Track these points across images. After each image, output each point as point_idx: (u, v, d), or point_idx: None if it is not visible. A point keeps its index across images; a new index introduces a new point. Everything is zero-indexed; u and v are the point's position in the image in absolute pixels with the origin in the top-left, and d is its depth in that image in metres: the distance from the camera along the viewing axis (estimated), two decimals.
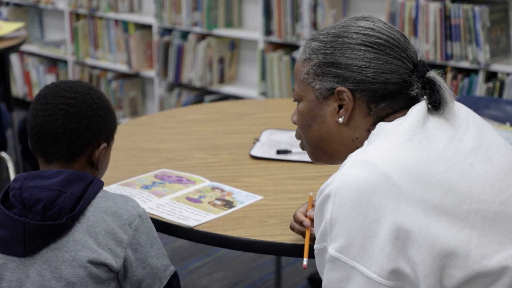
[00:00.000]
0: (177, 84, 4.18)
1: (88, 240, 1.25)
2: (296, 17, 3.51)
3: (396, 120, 1.15)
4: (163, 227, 1.44)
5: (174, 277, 1.34)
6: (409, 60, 1.18)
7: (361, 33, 1.17)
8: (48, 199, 1.23)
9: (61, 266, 1.24)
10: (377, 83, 1.15)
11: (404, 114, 1.15)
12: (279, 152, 1.85)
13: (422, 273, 1.03)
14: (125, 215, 1.28)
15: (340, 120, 1.18)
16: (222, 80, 4.00)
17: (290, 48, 3.66)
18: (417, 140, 1.10)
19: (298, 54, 1.24)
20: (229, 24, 3.93)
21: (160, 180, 1.65)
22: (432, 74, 1.18)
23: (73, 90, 1.32)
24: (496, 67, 2.97)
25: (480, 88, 3.00)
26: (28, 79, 4.93)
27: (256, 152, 1.86)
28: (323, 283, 1.11)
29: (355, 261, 1.05)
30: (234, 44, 4.01)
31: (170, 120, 2.20)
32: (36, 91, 4.88)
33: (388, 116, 1.17)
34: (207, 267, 2.87)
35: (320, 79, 1.19)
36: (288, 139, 1.95)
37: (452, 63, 3.03)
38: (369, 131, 1.17)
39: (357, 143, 1.19)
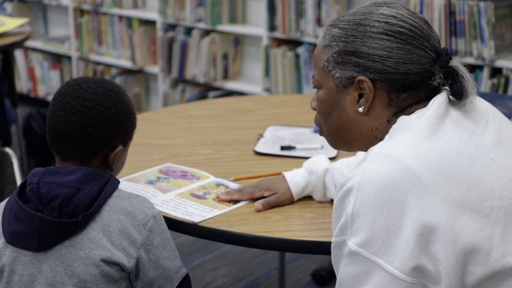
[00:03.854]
0: (181, 80, 4.18)
1: (102, 239, 1.25)
2: (300, 13, 3.50)
3: (416, 112, 1.13)
4: (167, 223, 1.44)
5: (186, 280, 1.34)
6: (432, 49, 1.15)
7: (383, 21, 1.14)
8: (65, 196, 1.23)
9: (74, 263, 1.24)
10: (399, 74, 1.13)
11: (425, 106, 1.13)
12: (283, 148, 1.84)
13: (445, 270, 1.02)
14: (139, 216, 1.28)
15: (360, 109, 1.16)
16: (226, 76, 4.00)
17: (294, 44, 3.65)
18: (440, 135, 1.09)
19: (318, 40, 1.21)
20: (233, 20, 3.92)
21: (165, 175, 1.65)
22: (456, 63, 1.15)
23: (93, 92, 1.30)
24: (501, 63, 2.96)
25: (485, 84, 2.99)
26: (32, 75, 4.94)
27: (260, 148, 1.85)
28: (339, 277, 1.10)
29: (377, 256, 1.03)
30: (238, 40, 4.00)
31: (174, 116, 2.20)
32: (40, 87, 4.89)
33: (409, 107, 1.15)
34: (211, 263, 2.88)
35: (340, 68, 1.16)
36: (292, 135, 1.95)
37: (456, 59, 3.02)
38: (389, 121, 1.16)
39: (377, 133, 1.17)
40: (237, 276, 2.79)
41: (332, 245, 1.11)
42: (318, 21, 3.45)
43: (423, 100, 1.15)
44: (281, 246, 1.43)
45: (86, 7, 4.48)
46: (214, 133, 2.01)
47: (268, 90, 3.74)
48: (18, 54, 4.92)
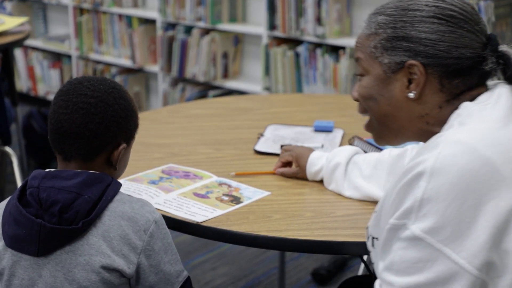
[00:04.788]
0: (181, 79, 4.18)
1: (103, 245, 1.23)
2: (300, 12, 3.50)
3: (480, 98, 1.11)
4: (169, 222, 1.44)
5: (187, 283, 1.33)
6: (482, 33, 1.14)
7: (432, 5, 1.13)
8: (65, 201, 1.22)
9: (74, 269, 1.23)
10: (451, 58, 1.11)
11: (479, 92, 1.12)
12: (283, 147, 1.84)
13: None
14: (141, 221, 1.26)
15: (411, 95, 1.14)
16: (226, 75, 4.00)
17: (294, 43, 3.65)
18: None
19: (360, 30, 1.20)
20: (233, 19, 3.92)
21: (167, 176, 1.65)
22: (505, 48, 1.14)
23: (95, 89, 1.29)
24: None
25: None
26: (32, 74, 4.94)
27: (260, 147, 1.85)
28: (391, 259, 1.04)
29: (443, 244, 0.99)
30: (238, 39, 4.00)
31: (174, 115, 2.20)
32: (40, 86, 4.89)
33: (462, 93, 1.13)
34: (211, 262, 2.88)
35: (390, 53, 1.14)
36: (292, 134, 1.95)
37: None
38: (441, 107, 1.14)
39: (428, 119, 1.15)
40: (237, 275, 2.79)
41: (388, 227, 1.06)
42: (318, 20, 3.45)
43: (476, 86, 1.13)
44: (281, 245, 1.43)
45: (86, 6, 4.48)
46: (214, 132, 2.01)
47: (268, 89, 3.74)
48: (18, 53, 4.91)
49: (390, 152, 1.53)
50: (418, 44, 1.12)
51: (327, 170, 1.58)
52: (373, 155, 1.55)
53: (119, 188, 1.29)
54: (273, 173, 1.67)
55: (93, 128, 1.27)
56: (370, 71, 1.18)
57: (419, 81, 1.13)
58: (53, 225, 1.22)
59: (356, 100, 1.24)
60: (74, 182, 1.24)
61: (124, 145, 1.32)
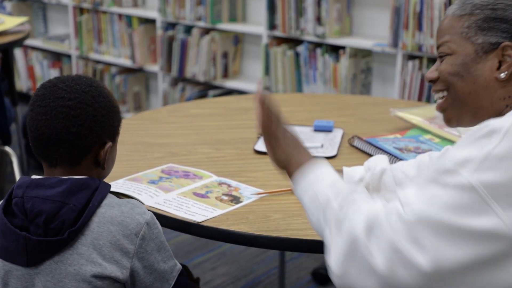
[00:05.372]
0: (181, 79, 4.18)
1: (93, 254, 1.20)
2: (300, 12, 3.50)
3: None
4: (169, 222, 1.44)
5: (181, 275, 1.32)
6: None
7: None
8: (50, 211, 1.19)
9: (65, 279, 1.21)
10: None
11: None
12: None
13: None
14: (131, 225, 1.23)
15: (502, 75, 1.15)
16: (226, 74, 4.00)
17: (294, 42, 3.65)
18: None
19: (449, 11, 1.22)
20: (233, 18, 3.92)
21: (167, 175, 1.65)
22: None
23: (72, 90, 1.24)
24: None
25: None
26: (32, 74, 4.94)
27: (260, 147, 1.85)
28: (431, 195, 1.02)
29: (496, 201, 0.98)
30: (238, 39, 4.00)
31: (174, 115, 2.20)
32: None
33: None
34: (211, 262, 2.88)
35: (485, 33, 1.16)
36: None
37: None
38: None
39: (508, 102, 1.16)
40: (237, 275, 2.79)
41: (436, 167, 1.05)
42: (318, 20, 3.45)
43: None
44: (281, 245, 1.43)
45: (86, 5, 4.48)
46: (214, 131, 2.01)
47: (268, 88, 3.74)
48: (18, 52, 4.91)
49: (430, 154, 1.51)
50: None
51: (372, 178, 1.50)
52: (412, 160, 1.53)
53: (108, 191, 1.26)
54: (286, 190, 1.57)
55: (75, 131, 1.23)
56: (458, 51, 1.19)
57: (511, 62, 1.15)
58: (38, 237, 1.19)
59: (431, 81, 1.25)
60: (58, 190, 1.20)
61: (110, 144, 1.28)
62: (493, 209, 0.99)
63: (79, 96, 1.24)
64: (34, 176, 1.26)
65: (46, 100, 1.24)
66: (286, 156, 1.28)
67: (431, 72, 1.25)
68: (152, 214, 1.27)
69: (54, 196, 1.20)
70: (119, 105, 1.34)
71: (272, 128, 1.29)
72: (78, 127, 1.23)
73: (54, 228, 1.19)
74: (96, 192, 1.23)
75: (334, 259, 1.11)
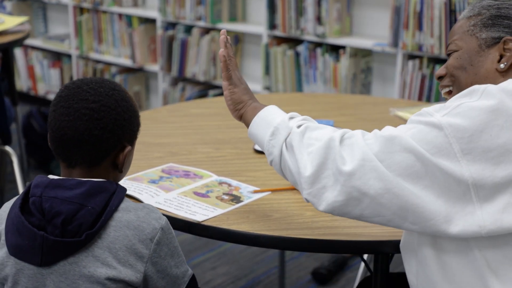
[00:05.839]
0: (181, 79, 4.18)
1: (108, 257, 1.21)
2: (300, 11, 3.50)
3: None
4: (170, 221, 1.44)
5: (193, 281, 1.33)
6: None
7: None
8: (68, 212, 1.19)
9: (79, 280, 1.21)
10: None
11: None
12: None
13: None
14: (147, 230, 1.23)
15: (502, 66, 1.21)
16: None
17: (294, 42, 3.65)
18: None
19: (461, 15, 1.30)
20: (233, 18, 3.92)
21: (168, 175, 1.65)
22: None
23: (96, 93, 1.25)
24: None
25: None
26: (32, 73, 4.94)
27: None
28: (403, 127, 1.13)
29: (458, 143, 1.07)
30: (238, 38, 4.00)
31: (174, 115, 2.20)
32: (40, 86, 4.89)
33: None
34: (211, 262, 2.88)
35: (488, 29, 1.24)
36: None
37: None
38: None
39: None
40: (237, 275, 2.79)
41: (415, 115, 1.14)
42: (318, 20, 3.45)
43: None
44: (281, 245, 1.43)
45: (86, 5, 4.48)
46: (214, 131, 2.01)
47: (268, 88, 3.74)
48: (18, 52, 4.91)
49: None
50: None
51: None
52: None
53: (124, 195, 1.27)
54: (293, 188, 1.58)
55: (97, 134, 1.24)
56: (464, 46, 1.27)
57: (511, 54, 1.21)
58: (56, 237, 1.19)
59: (439, 78, 1.31)
60: (77, 192, 1.21)
61: (129, 148, 1.29)
62: (454, 149, 1.07)
63: (103, 99, 1.25)
64: (51, 176, 1.26)
65: (69, 101, 1.24)
66: (241, 100, 1.39)
67: (440, 70, 1.31)
68: (167, 219, 1.28)
69: (73, 197, 1.20)
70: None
71: (232, 70, 1.40)
72: (100, 130, 1.24)
73: (71, 230, 1.20)
74: (113, 196, 1.24)
75: (309, 165, 1.17)
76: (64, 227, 1.19)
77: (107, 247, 1.21)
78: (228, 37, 1.40)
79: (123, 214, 1.23)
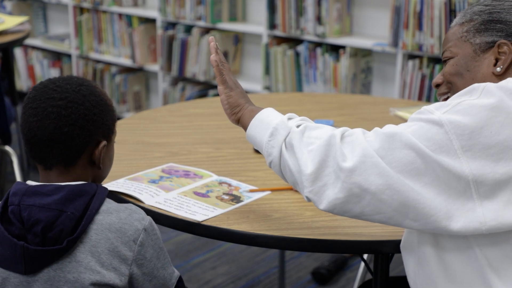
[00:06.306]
0: (181, 78, 4.18)
1: (91, 261, 1.19)
2: (300, 11, 3.50)
3: None
4: (170, 221, 1.44)
5: (180, 282, 1.32)
6: None
7: None
8: (48, 220, 1.17)
9: (64, 286, 1.20)
10: None
11: None
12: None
13: None
14: (129, 231, 1.21)
15: (498, 69, 1.22)
16: None
17: (294, 42, 3.65)
18: None
19: (453, 22, 1.31)
20: (233, 18, 3.92)
21: (168, 175, 1.65)
22: None
23: (62, 90, 1.23)
24: None
25: None
26: (32, 73, 4.94)
27: None
28: (404, 124, 1.13)
29: (458, 140, 1.07)
30: (238, 38, 4.00)
31: (174, 114, 2.20)
32: None
33: None
34: (211, 261, 2.88)
35: (482, 34, 1.25)
36: None
37: None
38: None
39: None
40: (237, 275, 2.79)
41: (416, 113, 1.14)
42: (318, 19, 3.45)
43: None
44: (281, 244, 1.43)
45: (86, 5, 4.48)
46: (214, 131, 2.01)
47: (268, 88, 3.74)
48: (18, 52, 4.91)
49: None
50: (510, 26, 1.23)
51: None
52: None
53: (105, 196, 1.24)
54: (291, 189, 1.59)
55: (67, 131, 1.21)
56: (459, 52, 1.27)
57: (507, 58, 1.22)
58: (37, 245, 1.18)
59: (437, 86, 1.32)
60: (55, 198, 1.19)
61: (104, 143, 1.27)
62: (454, 145, 1.07)
63: (70, 95, 1.23)
64: (30, 182, 1.24)
65: (37, 102, 1.23)
66: (238, 104, 1.39)
67: (437, 78, 1.31)
68: (151, 220, 1.26)
69: (51, 204, 1.19)
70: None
71: (226, 75, 1.40)
72: (69, 127, 1.22)
73: (52, 237, 1.18)
74: (93, 198, 1.22)
75: (310, 163, 1.16)
76: (44, 235, 1.18)
77: (90, 251, 1.19)
78: (216, 43, 1.40)
79: (105, 217, 1.21)
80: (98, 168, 1.28)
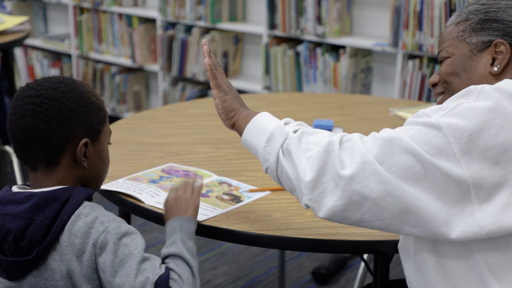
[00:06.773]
0: (181, 78, 4.18)
1: (63, 269, 1.17)
2: (300, 11, 3.50)
3: None
4: None
5: (158, 286, 1.17)
6: None
7: None
8: (18, 229, 1.16)
9: None
10: None
11: None
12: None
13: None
14: (91, 235, 1.17)
15: (495, 69, 1.21)
16: (226, 74, 4.00)
17: (294, 42, 3.65)
18: None
19: (448, 21, 1.30)
20: (233, 18, 3.92)
21: (168, 175, 1.65)
22: None
23: (40, 87, 1.21)
24: None
25: None
26: (32, 73, 4.94)
27: None
28: (401, 128, 1.13)
29: (457, 143, 1.06)
30: (238, 38, 4.00)
31: (174, 114, 2.20)
32: None
33: None
34: (211, 261, 2.88)
35: (478, 33, 1.24)
36: None
37: None
38: None
39: None
40: (237, 275, 2.79)
41: (412, 116, 1.14)
42: (319, 19, 3.44)
43: None
44: (281, 244, 1.43)
45: (86, 5, 4.48)
46: (214, 131, 2.01)
47: (268, 88, 3.74)
48: (18, 52, 4.91)
49: None
50: (507, 26, 1.22)
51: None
52: None
53: (82, 201, 1.21)
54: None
55: (43, 127, 1.19)
56: (455, 52, 1.26)
57: (503, 57, 1.21)
58: (12, 255, 1.18)
59: (433, 85, 1.31)
60: (26, 206, 1.17)
61: (85, 140, 1.23)
62: (453, 148, 1.06)
63: (46, 92, 1.21)
64: (14, 188, 1.24)
65: (17, 101, 1.22)
66: (233, 108, 1.38)
67: (433, 77, 1.31)
68: (122, 225, 1.20)
69: (22, 212, 1.17)
70: (104, 102, 1.29)
71: (220, 79, 1.39)
72: (45, 123, 1.20)
73: (24, 246, 1.17)
74: (65, 205, 1.19)
75: (309, 170, 1.15)
76: (16, 244, 1.17)
77: (61, 259, 1.18)
78: (209, 46, 1.38)
79: (74, 223, 1.18)
80: (83, 168, 1.24)
